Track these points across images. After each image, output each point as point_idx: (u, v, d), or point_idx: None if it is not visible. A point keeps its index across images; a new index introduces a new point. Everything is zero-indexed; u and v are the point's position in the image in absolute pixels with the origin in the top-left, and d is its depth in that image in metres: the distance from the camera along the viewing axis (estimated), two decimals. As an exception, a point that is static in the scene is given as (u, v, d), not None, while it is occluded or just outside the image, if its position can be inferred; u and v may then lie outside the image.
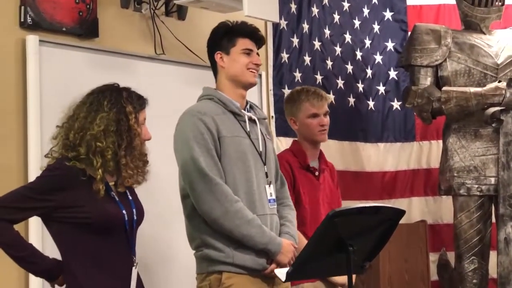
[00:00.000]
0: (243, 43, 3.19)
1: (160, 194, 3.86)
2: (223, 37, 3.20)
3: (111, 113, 2.74)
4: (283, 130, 4.99)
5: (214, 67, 3.25)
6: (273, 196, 3.19)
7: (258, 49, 3.25)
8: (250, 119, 3.20)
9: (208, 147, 3.01)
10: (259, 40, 3.25)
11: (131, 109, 2.76)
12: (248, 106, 3.26)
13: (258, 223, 3.01)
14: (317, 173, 3.77)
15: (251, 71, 3.19)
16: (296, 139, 3.91)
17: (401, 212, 2.87)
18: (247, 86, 3.23)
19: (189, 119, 3.07)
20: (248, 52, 3.18)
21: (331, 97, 4.23)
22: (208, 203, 2.98)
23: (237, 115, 3.16)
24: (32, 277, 3.45)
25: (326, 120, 3.78)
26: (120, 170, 2.74)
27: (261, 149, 3.18)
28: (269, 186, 3.18)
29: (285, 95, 4.58)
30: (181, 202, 3.13)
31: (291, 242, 3.11)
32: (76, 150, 2.72)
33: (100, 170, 2.69)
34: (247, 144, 3.14)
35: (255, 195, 3.10)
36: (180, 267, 4.05)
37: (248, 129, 3.17)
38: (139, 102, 2.82)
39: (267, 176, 3.19)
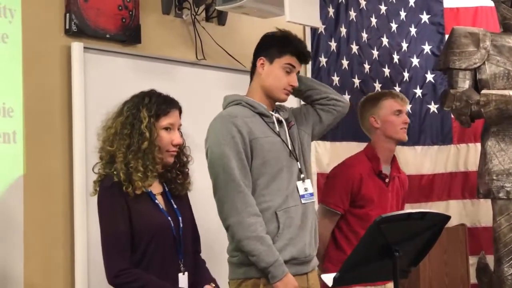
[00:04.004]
0: (289, 58, 3.18)
1: (200, 198, 3.89)
2: (274, 46, 3.20)
3: (125, 117, 2.79)
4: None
5: (253, 70, 3.27)
6: (309, 191, 3.19)
7: (301, 66, 3.27)
8: (278, 120, 3.22)
9: (239, 150, 3.02)
10: (304, 60, 3.27)
11: (145, 114, 2.78)
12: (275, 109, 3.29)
13: (269, 242, 2.97)
14: (387, 180, 3.75)
15: (284, 91, 3.20)
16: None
17: (447, 218, 2.87)
18: (277, 101, 3.27)
19: (220, 123, 3.10)
20: (289, 70, 3.18)
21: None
22: (226, 208, 2.99)
23: (265, 116, 3.18)
24: (78, 257, 3.53)
25: (408, 119, 3.82)
26: (131, 173, 2.75)
27: (290, 148, 3.19)
28: (303, 181, 3.19)
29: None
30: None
31: (296, 283, 3.00)
32: (104, 157, 2.79)
33: (121, 172, 2.73)
34: (279, 143, 3.16)
35: (287, 191, 3.11)
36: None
37: (277, 129, 3.19)
38: (161, 107, 2.82)
39: (301, 172, 3.20)
